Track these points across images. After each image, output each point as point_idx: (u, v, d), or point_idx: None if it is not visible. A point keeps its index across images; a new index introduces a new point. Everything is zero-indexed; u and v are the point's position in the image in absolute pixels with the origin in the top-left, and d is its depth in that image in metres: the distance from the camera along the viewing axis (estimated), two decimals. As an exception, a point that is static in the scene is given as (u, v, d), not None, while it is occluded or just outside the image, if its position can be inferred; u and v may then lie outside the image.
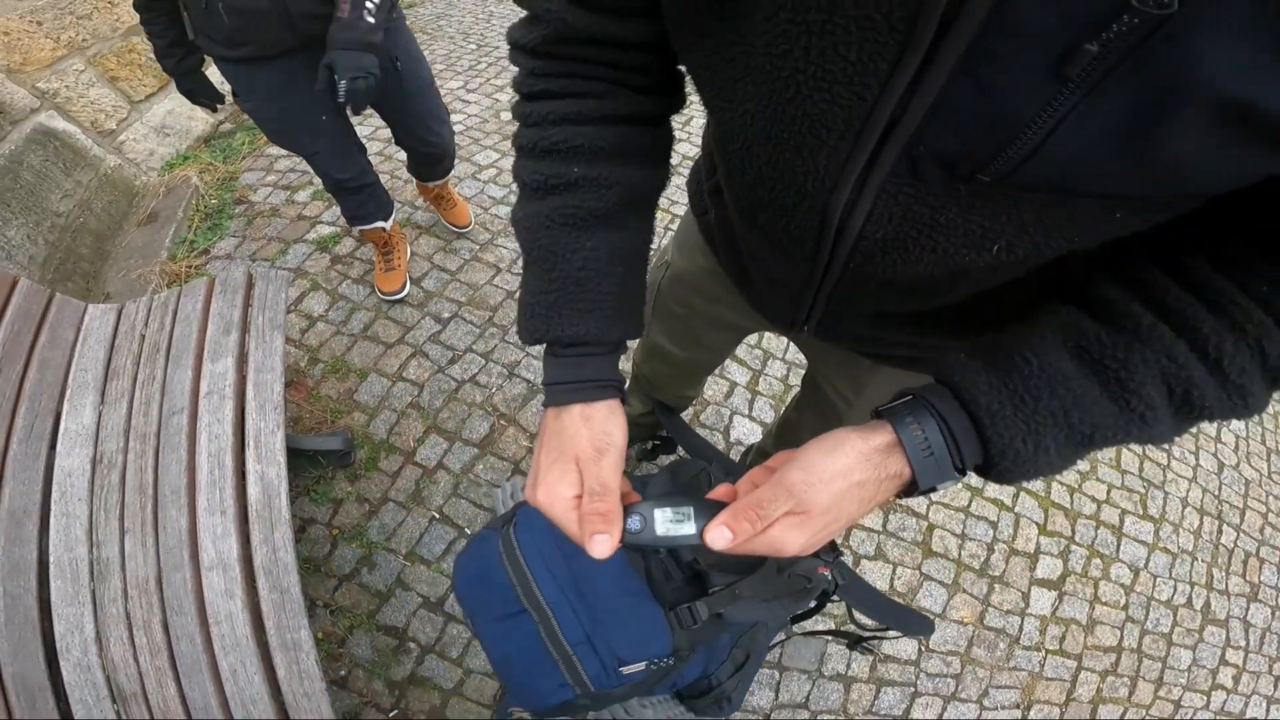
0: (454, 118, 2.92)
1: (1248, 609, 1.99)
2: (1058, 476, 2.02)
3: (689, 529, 0.48)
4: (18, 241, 1.87)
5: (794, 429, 1.10)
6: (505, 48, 0.55)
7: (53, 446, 1.18)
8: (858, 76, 0.35)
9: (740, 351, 2.09)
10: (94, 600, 1.09)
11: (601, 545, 0.46)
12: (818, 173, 0.42)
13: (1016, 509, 1.95)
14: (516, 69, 0.54)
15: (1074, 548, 1.92)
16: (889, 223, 0.43)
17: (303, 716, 1.03)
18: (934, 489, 0.44)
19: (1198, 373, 0.39)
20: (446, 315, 2.03)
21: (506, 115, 3.00)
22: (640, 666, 0.76)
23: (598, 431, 0.51)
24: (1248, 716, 1.84)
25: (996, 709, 1.66)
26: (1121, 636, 1.83)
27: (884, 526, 1.82)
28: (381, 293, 2.00)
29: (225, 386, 1.25)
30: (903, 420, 0.44)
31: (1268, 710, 1.87)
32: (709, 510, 0.47)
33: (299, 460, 1.62)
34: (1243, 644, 1.93)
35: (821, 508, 0.43)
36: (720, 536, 0.44)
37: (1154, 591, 1.91)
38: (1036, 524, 1.94)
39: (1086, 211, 0.38)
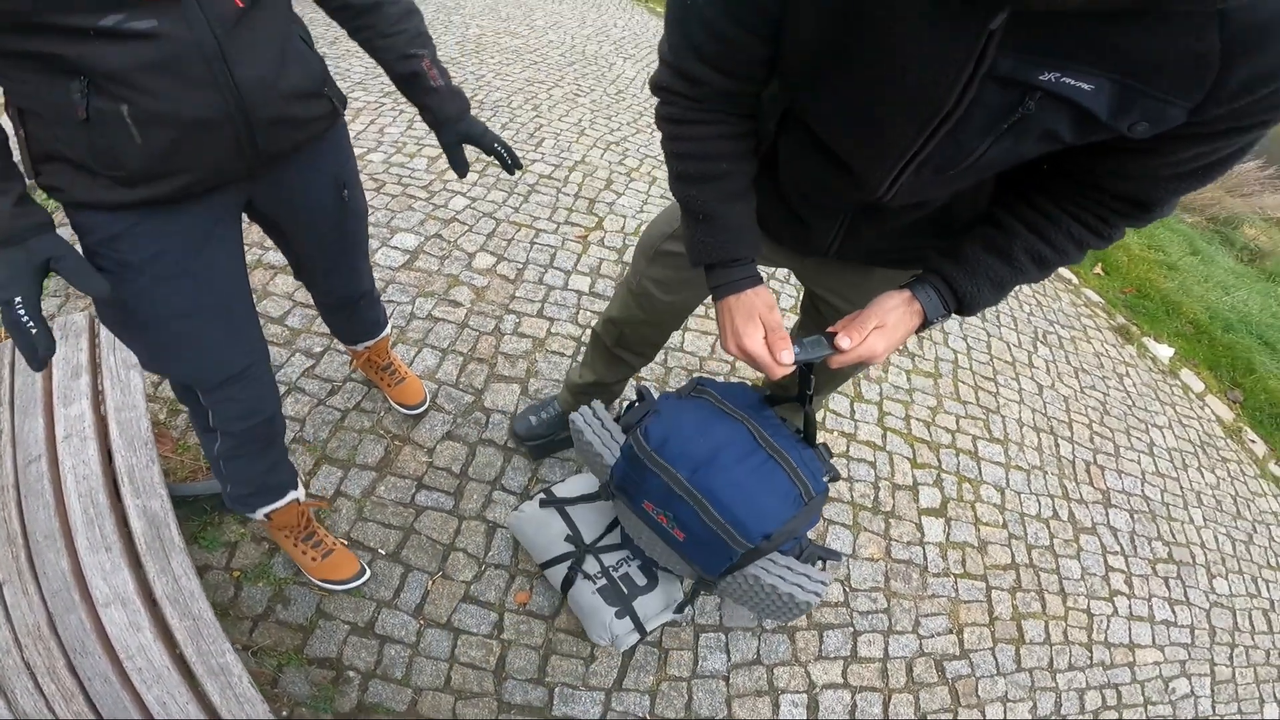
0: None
1: (1107, 515, 2.29)
2: (913, 413, 2.32)
3: (824, 347, 0.87)
4: None
5: (813, 320, 1.32)
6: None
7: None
8: (908, 132, 0.70)
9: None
10: None
11: (787, 355, 0.87)
12: (874, 171, 0.78)
13: (888, 447, 2.18)
14: (664, 103, 0.84)
15: (944, 475, 2.17)
16: (904, 192, 0.79)
17: None
18: (934, 322, 0.87)
19: (1043, 248, 0.81)
20: (318, 350, 1.94)
21: (356, 150, 2.95)
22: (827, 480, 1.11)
23: (767, 298, 0.91)
24: (1158, 619, 2.07)
25: (932, 636, 1.77)
26: (1013, 554, 2.04)
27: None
28: (332, 582, 1.49)
29: (85, 428, 1.19)
30: (917, 288, 0.87)
31: (1173, 612, 2.11)
32: (830, 337, 0.87)
33: (180, 508, 1.48)
34: (1117, 549, 2.20)
35: (892, 324, 0.86)
36: (845, 341, 0.85)
37: (1023, 508, 2.18)
38: (908, 459, 2.17)
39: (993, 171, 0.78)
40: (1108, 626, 1.99)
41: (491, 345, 2.08)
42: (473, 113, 1.20)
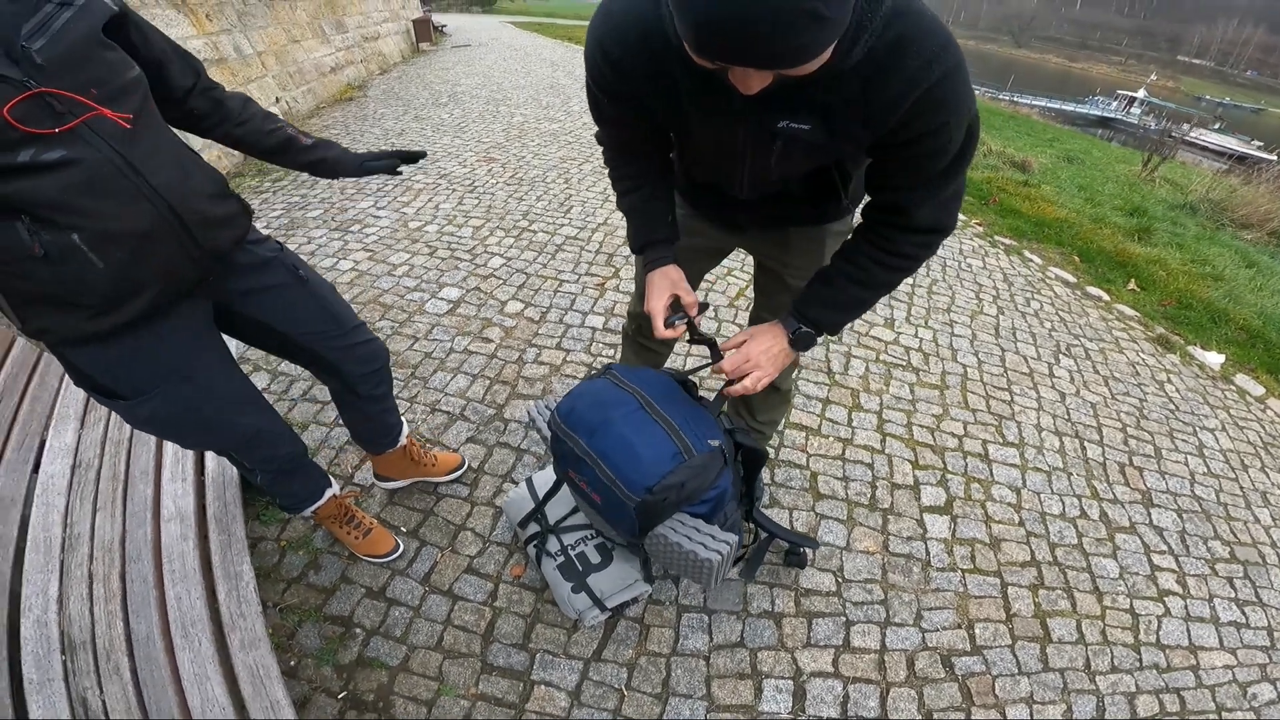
0: (367, 230, 3.49)
1: (1149, 514, 2.16)
2: (915, 420, 2.37)
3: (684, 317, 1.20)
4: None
5: (761, 292, 1.58)
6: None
7: (39, 459, 1.44)
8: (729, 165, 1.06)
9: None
10: (62, 567, 1.30)
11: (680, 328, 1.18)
12: (728, 184, 1.13)
13: (886, 450, 2.22)
14: (603, 151, 1.24)
15: (950, 476, 2.16)
16: (752, 192, 1.12)
17: (238, 632, 1.21)
18: (797, 335, 1.15)
19: (854, 270, 1.10)
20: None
21: (414, 224, 3.56)
22: (715, 443, 1.20)
23: (674, 273, 1.21)
24: (1224, 620, 1.90)
25: (937, 629, 1.71)
26: (1032, 552, 1.95)
27: (772, 479, 2.05)
28: (374, 557, 1.74)
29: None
30: (786, 322, 1.16)
31: (1243, 613, 1.93)
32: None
33: (248, 491, 1.84)
34: (1165, 548, 2.05)
35: (757, 334, 1.16)
36: (728, 364, 1.14)
37: (1043, 507, 2.10)
38: (909, 460, 2.19)
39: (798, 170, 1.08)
40: (1159, 627, 1.84)
41: (514, 371, 2.40)
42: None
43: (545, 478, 1.73)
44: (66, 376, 1.64)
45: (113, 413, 1.56)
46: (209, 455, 1.47)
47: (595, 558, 1.56)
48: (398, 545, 1.75)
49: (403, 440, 1.79)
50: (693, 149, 1.13)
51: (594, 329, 2.66)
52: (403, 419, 1.78)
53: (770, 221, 1.29)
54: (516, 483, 1.97)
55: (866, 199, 1.11)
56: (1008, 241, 4.00)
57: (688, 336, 1.24)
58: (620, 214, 3.42)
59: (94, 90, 0.92)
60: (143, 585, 1.26)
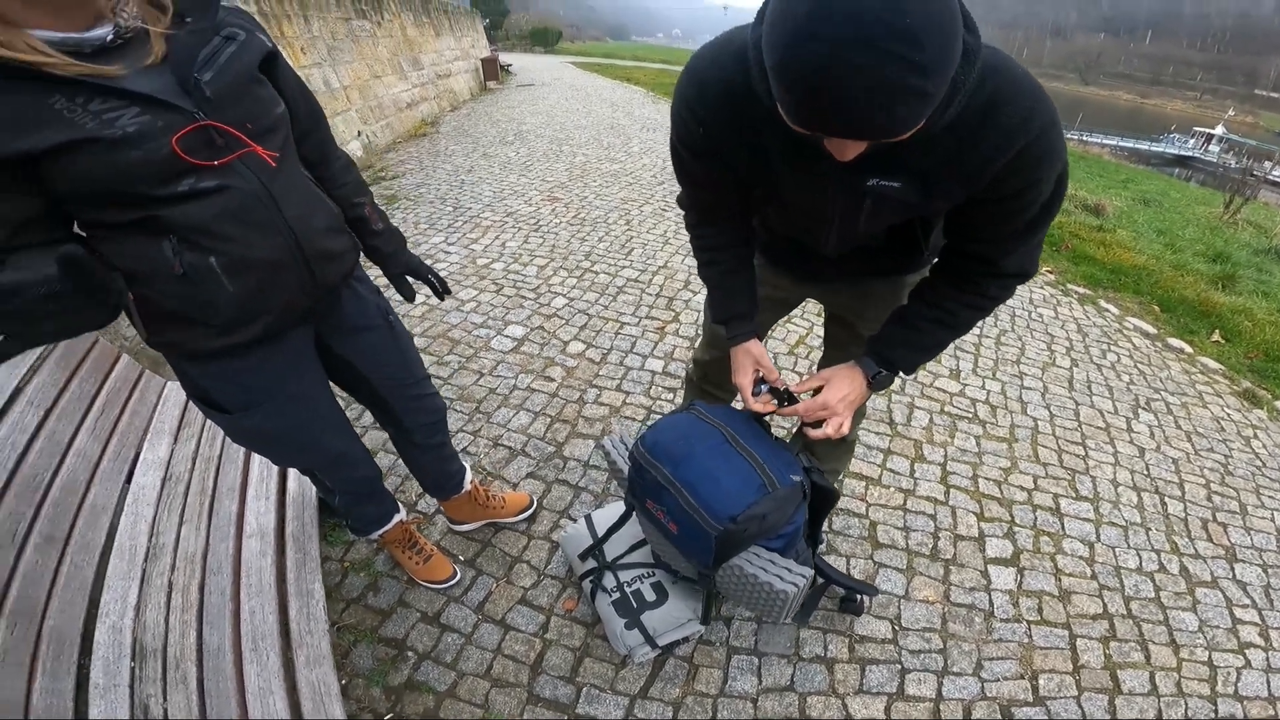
0: (437, 265, 3.64)
1: (1232, 570, 2.05)
2: (981, 473, 2.30)
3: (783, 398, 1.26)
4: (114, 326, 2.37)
5: (832, 344, 1.62)
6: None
7: (132, 470, 1.55)
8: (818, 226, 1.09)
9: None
10: (143, 576, 1.38)
11: (750, 395, 1.25)
12: (815, 243, 1.14)
13: (950, 502, 2.16)
14: (685, 215, 1.27)
15: (1017, 529, 2.08)
16: (835, 249, 1.13)
17: (305, 649, 1.26)
18: (877, 378, 1.18)
19: (937, 312, 1.12)
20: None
21: (481, 261, 3.70)
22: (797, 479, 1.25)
23: (757, 349, 1.28)
24: None
25: (998, 680, 1.67)
26: (1105, 604, 1.88)
27: (830, 527, 2.01)
28: (432, 582, 1.79)
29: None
30: (864, 365, 1.19)
31: None
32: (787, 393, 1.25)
33: (322, 512, 1.92)
34: (1248, 602, 1.96)
35: (835, 380, 1.19)
36: (806, 411, 1.19)
37: (1117, 561, 2.02)
38: (974, 513, 2.12)
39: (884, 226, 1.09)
40: (1238, 679, 1.75)
41: (575, 411, 2.45)
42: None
43: (605, 516, 1.76)
44: (163, 394, 1.77)
45: (205, 431, 1.68)
46: (291, 476, 1.55)
47: (650, 595, 1.58)
48: (455, 573, 1.80)
49: (467, 486, 1.84)
50: (778, 207, 1.12)
51: (654, 373, 2.69)
52: (465, 466, 1.83)
53: (847, 274, 1.29)
54: (574, 519, 1.99)
55: (944, 244, 1.11)
56: (1082, 290, 3.86)
57: (775, 404, 1.28)
58: (681, 258, 3.67)
59: (249, 125, 0.98)
60: (220, 598, 1.33)
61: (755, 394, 1.25)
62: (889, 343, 1.17)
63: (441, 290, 1.44)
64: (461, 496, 1.85)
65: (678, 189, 1.24)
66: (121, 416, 1.60)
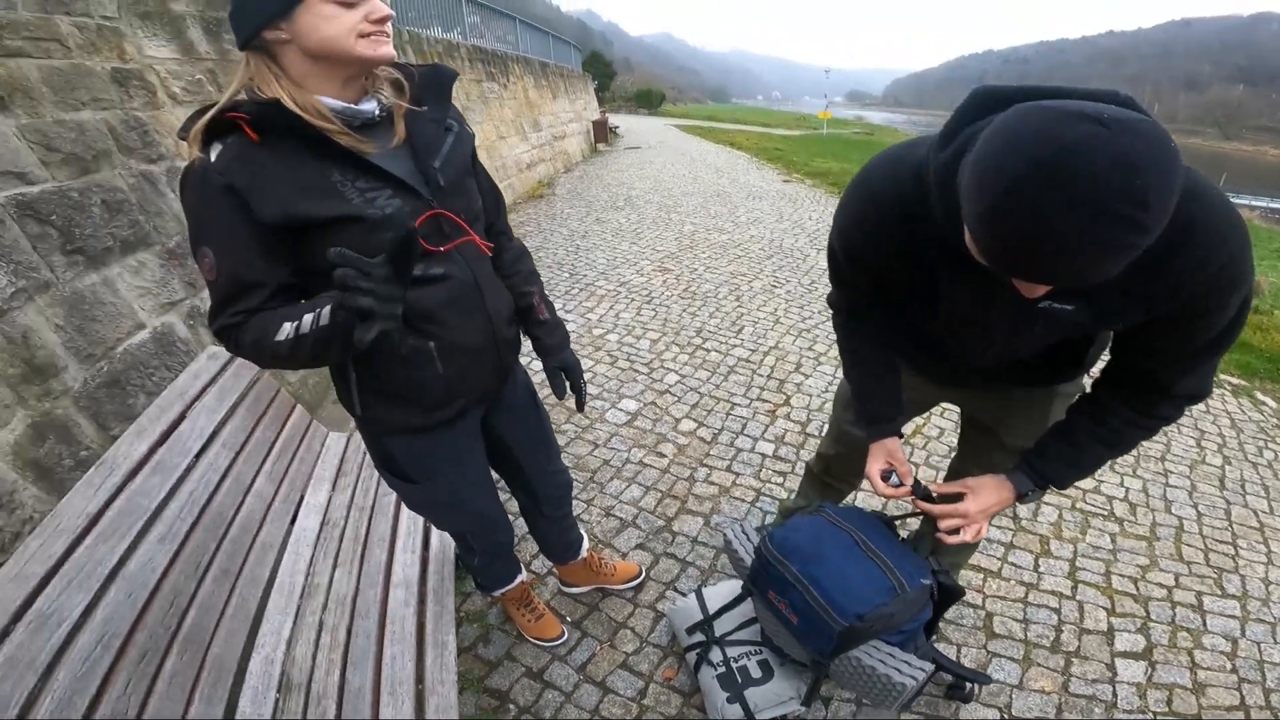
0: None
1: None
2: (1116, 569, 2.17)
3: (918, 489, 1.26)
4: (293, 378, 2.72)
5: (970, 446, 1.56)
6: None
7: (296, 512, 1.73)
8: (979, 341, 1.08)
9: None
10: (298, 612, 1.51)
11: (880, 483, 1.27)
12: (969, 357, 1.14)
13: (1077, 597, 2.03)
14: (833, 315, 1.32)
15: (1152, 624, 1.96)
16: (992, 361, 1.11)
17: (435, 698, 1.33)
18: (1028, 495, 1.15)
19: (1102, 431, 1.07)
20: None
21: (597, 330, 3.86)
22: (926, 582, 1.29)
23: (892, 445, 1.31)
24: None
25: None
26: (1242, 696, 1.76)
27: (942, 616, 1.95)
28: (541, 640, 1.86)
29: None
30: (1010, 473, 1.17)
31: None
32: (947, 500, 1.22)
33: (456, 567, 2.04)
34: None
35: (982, 491, 1.17)
36: (944, 520, 1.18)
37: (1262, 655, 1.87)
38: (1104, 608, 2.00)
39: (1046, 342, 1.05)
40: None
41: (685, 488, 2.50)
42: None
43: (716, 593, 1.81)
44: (325, 443, 1.98)
45: (359, 482, 1.86)
46: (434, 532, 1.68)
47: (756, 673, 1.61)
48: (563, 633, 1.87)
49: (583, 554, 1.93)
50: (935, 320, 1.09)
51: (764, 455, 2.71)
52: (583, 534, 1.92)
53: (996, 383, 1.26)
54: (682, 593, 2.03)
55: (1111, 358, 1.07)
56: (1235, 381, 3.52)
57: (907, 493, 1.30)
58: (793, 339, 3.69)
59: (464, 214, 1.06)
60: (365, 641, 1.44)
61: (889, 482, 1.28)
62: (1047, 458, 1.13)
63: (581, 404, 1.46)
64: (577, 562, 1.93)
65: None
66: (292, 462, 1.81)
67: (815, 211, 7.17)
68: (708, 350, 3.62)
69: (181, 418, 1.53)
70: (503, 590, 1.76)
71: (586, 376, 3.25)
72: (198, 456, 1.50)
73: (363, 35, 0.90)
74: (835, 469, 1.78)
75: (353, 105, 0.96)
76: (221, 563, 1.44)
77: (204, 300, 2.58)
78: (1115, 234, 0.61)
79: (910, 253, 0.95)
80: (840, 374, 3.28)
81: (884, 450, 1.30)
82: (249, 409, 1.75)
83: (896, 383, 1.32)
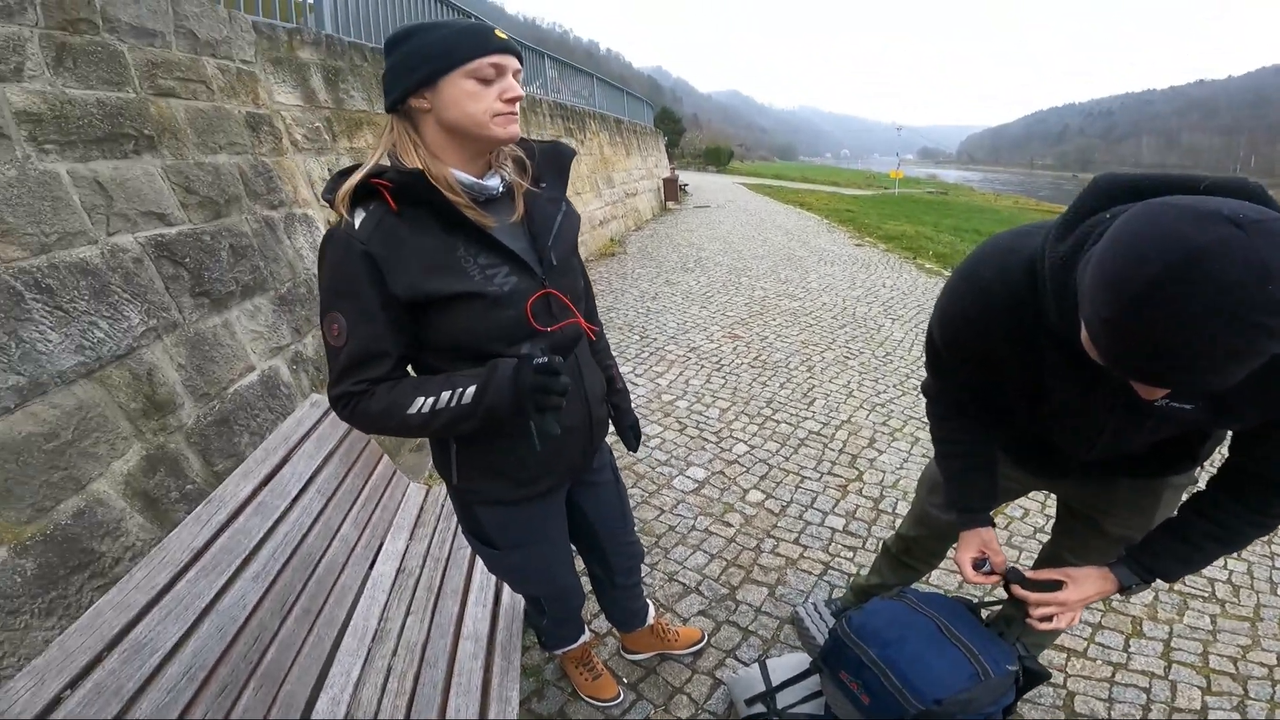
0: None
1: None
2: (1214, 649, 2.06)
3: (1016, 575, 1.22)
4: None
5: (1067, 534, 1.51)
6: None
7: (375, 558, 1.78)
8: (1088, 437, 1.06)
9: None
10: (368, 655, 1.54)
11: (969, 569, 1.23)
12: (1076, 451, 1.11)
13: (1170, 677, 1.92)
14: (928, 403, 1.30)
15: (1250, 702, 1.84)
16: (1098, 456, 1.09)
17: None
18: (1130, 588, 1.11)
19: (1216, 529, 1.03)
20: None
21: (667, 397, 3.86)
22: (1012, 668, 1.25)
23: (985, 534, 1.26)
24: None
25: None
26: None
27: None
28: (596, 699, 1.85)
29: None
30: (1114, 565, 1.13)
31: None
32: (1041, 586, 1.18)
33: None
34: None
35: (1082, 581, 1.13)
36: (1037, 608, 1.15)
37: None
38: (1199, 687, 1.88)
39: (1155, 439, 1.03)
40: None
41: (750, 558, 2.45)
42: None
43: (781, 665, 1.76)
44: (406, 493, 2.04)
45: (435, 534, 1.90)
46: (505, 589, 1.71)
47: None
48: (619, 694, 1.86)
49: (649, 622, 1.91)
50: (1039, 414, 1.07)
51: (833, 529, 2.64)
52: (649, 603, 1.91)
53: (1100, 476, 1.22)
54: (743, 661, 1.99)
55: (1229, 456, 1.03)
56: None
57: (1001, 583, 1.27)
58: (865, 413, 3.61)
59: (570, 294, 1.08)
60: (431, 690, 1.45)
61: (979, 570, 1.25)
62: (1156, 554, 1.10)
63: (635, 444, 1.53)
64: (643, 630, 1.91)
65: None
66: (376, 510, 1.88)
67: (889, 278, 7.04)
68: (778, 422, 3.58)
69: (284, 462, 1.62)
70: (565, 649, 1.78)
71: (656, 443, 3.31)
72: (295, 500, 1.59)
73: (496, 114, 0.95)
74: (916, 551, 1.74)
75: (479, 180, 1.01)
76: (304, 602, 1.50)
77: (306, 346, 2.72)
78: (1248, 343, 0.59)
79: (1017, 347, 0.93)
80: (921, 452, 3.23)
81: (978, 539, 1.26)
82: (342, 457, 1.85)
83: (993, 474, 1.29)
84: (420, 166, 0.95)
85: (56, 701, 0.93)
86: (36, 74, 1.86)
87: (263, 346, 2.45)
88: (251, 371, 2.34)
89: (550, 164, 1.12)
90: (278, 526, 1.50)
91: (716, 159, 53.26)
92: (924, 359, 1.22)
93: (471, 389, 0.95)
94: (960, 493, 1.30)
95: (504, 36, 0.97)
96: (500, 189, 1.03)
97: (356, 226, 0.94)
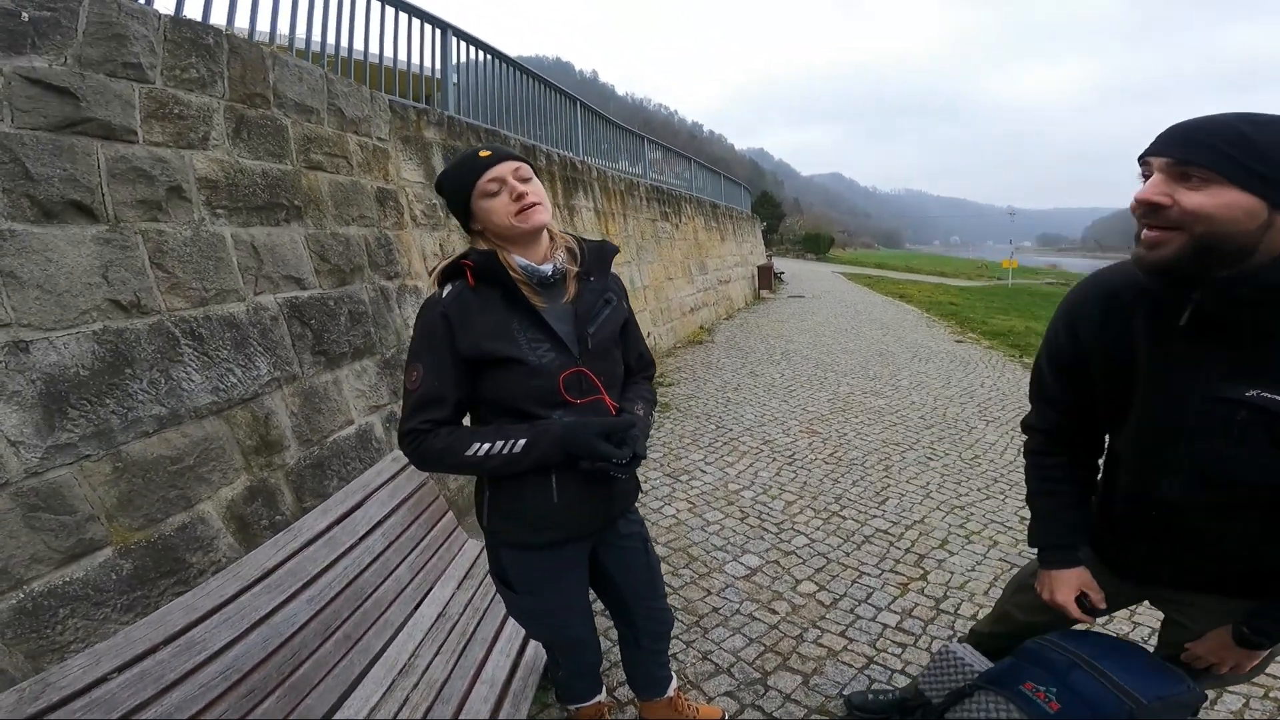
0: (693, 483, 3.87)
1: None
2: None
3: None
4: (452, 485, 2.96)
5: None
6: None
7: (421, 601, 1.93)
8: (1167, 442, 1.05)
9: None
10: (391, 685, 1.64)
11: (1072, 608, 1.26)
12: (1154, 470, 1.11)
13: None
14: (1029, 439, 1.36)
15: None
16: (1180, 489, 1.06)
17: None
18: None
19: None
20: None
21: (733, 486, 3.85)
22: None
23: (1087, 576, 1.28)
24: None
25: None
26: None
27: None
28: None
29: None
30: (1234, 629, 1.12)
31: None
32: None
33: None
34: None
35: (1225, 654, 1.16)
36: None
37: None
38: None
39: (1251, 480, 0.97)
40: None
41: (790, 646, 2.38)
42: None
43: None
44: (463, 548, 2.20)
45: (480, 586, 2.02)
46: (531, 643, 1.80)
47: None
48: None
49: (669, 693, 1.91)
50: (1127, 433, 1.11)
51: (885, 625, 2.51)
52: (672, 674, 1.91)
53: (1192, 574, 1.18)
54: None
55: None
56: None
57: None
58: (941, 515, 3.46)
59: (603, 377, 1.28)
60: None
61: (1085, 609, 1.27)
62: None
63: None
64: (661, 701, 1.90)
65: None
66: (432, 558, 2.04)
67: (989, 377, 6.64)
68: (844, 518, 3.47)
69: (359, 504, 1.84)
70: (578, 706, 1.83)
71: (714, 529, 3.32)
72: (361, 538, 1.79)
73: (515, 213, 1.20)
74: (990, 649, 1.65)
75: (536, 265, 1.24)
76: (347, 629, 1.65)
77: (400, 407, 3.00)
78: None
79: (1111, 333, 1.04)
80: (999, 555, 3.04)
81: (1075, 578, 1.27)
82: (411, 507, 2.05)
83: (1085, 514, 1.32)
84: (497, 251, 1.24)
85: (103, 680, 1.11)
86: (219, 143, 2.27)
87: (364, 404, 2.76)
88: (350, 425, 2.64)
89: (596, 260, 1.35)
90: (341, 559, 1.70)
91: (816, 246, 52.16)
92: (1029, 392, 1.33)
93: (522, 442, 1.18)
94: (1050, 529, 1.31)
95: (487, 154, 1.23)
96: (553, 273, 1.26)
97: (443, 295, 1.23)
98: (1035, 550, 1.35)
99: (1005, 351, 8.22)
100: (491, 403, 1.25)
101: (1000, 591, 2.61)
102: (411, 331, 1.30)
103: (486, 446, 1.18)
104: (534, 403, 1.22)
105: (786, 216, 63.42)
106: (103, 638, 1.51)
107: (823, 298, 15.31)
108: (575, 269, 1.31)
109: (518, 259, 1.23)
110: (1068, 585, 1.27)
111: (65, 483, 1.62)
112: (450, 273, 1.25)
